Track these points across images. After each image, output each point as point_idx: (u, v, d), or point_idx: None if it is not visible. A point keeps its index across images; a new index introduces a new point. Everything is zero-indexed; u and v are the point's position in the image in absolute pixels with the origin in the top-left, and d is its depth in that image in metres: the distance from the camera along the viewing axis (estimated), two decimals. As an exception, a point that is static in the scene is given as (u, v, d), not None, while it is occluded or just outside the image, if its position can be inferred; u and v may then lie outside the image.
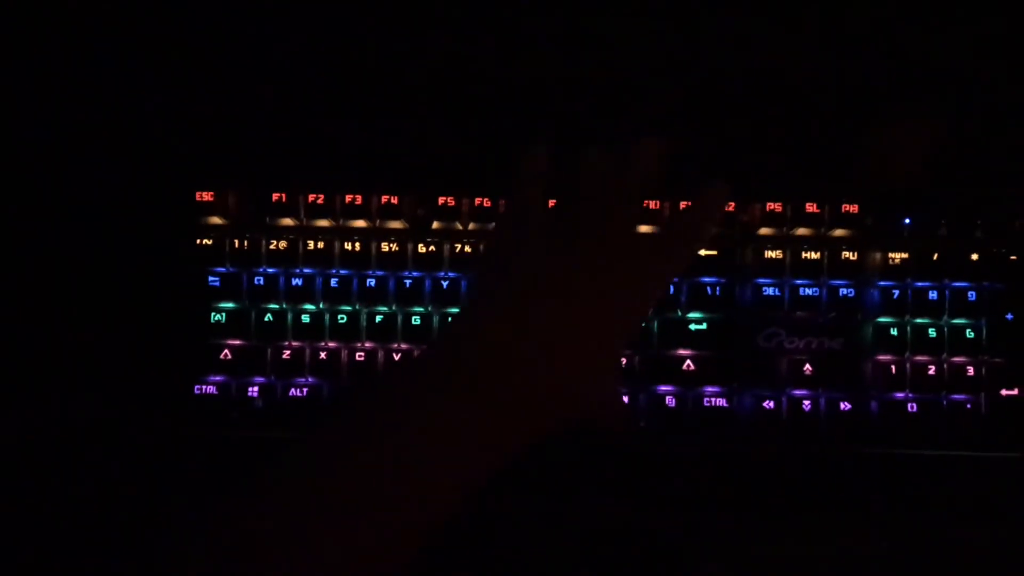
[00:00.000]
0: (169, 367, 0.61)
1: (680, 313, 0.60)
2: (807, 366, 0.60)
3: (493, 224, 0.61)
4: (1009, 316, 0.60)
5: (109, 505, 0.60)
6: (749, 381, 0.60)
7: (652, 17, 0.64)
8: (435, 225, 0.61)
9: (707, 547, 0.60)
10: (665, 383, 0.60)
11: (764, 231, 0.61)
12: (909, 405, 0.60)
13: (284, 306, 0.61)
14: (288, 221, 0.61)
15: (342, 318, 0.61)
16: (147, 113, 0.64)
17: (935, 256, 0.60)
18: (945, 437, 0.59)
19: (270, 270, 0.61)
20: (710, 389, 0.60)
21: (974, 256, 0.60)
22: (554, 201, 0.51)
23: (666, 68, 0.64)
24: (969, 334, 0.60)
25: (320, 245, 0.61)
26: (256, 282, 0.61)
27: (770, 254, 0.60)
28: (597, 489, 0.61)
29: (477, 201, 0.61)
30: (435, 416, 0.41)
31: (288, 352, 0.61)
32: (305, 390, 0.61)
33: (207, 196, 0.61)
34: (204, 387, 0.61)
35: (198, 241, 0.61)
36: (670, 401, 0.60)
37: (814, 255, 0.60)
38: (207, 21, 0.64)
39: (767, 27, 0.64)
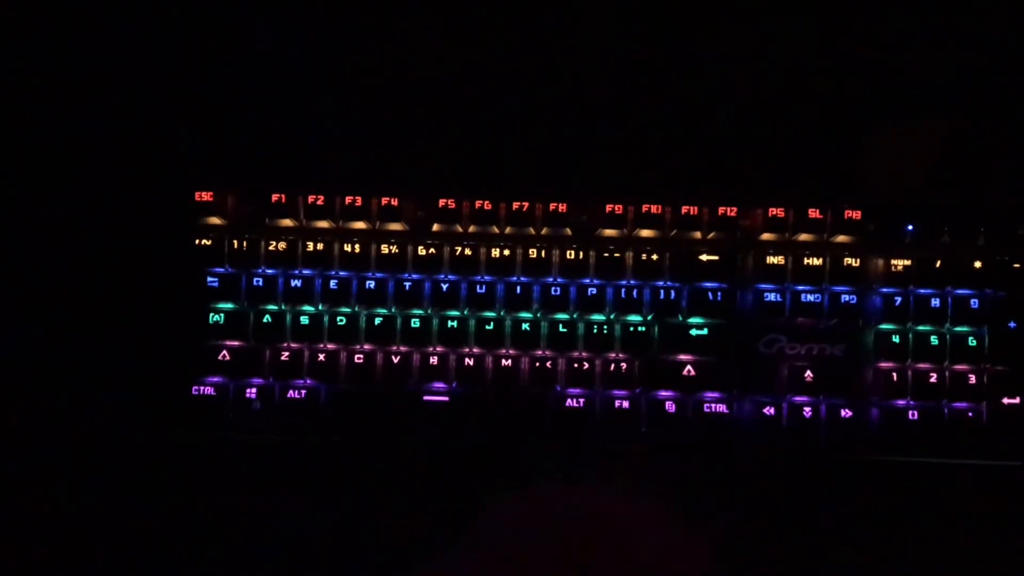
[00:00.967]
0: (167, 367, 0.61)
1: (681, 318, 0.60)
2: (808, 372, 0.59)
3: (493, 227, 0.60)
4: (1012, 324, 0.59)
5: (105, 505, 0.60)
6: (749, 387, 0.60)
7: (659, 20, 0.64)
8: (435, 227, 0.61)
9: (705, 552, 0.59)
10: (665, 388, 0.60)
11: (766, 236, 0.60)
12: (910, 413, 0.59)
13: (283, 307, 0.61)
14: (287, 222, 0.61)
15: (341, 320, 0.60)
16: (147, 112, 0.64)
17: (938, 263, 0.59)
18: (946, 445, 0.59)
19: (269, 271, 0.61)
20: (710, 395, 0.60)
21: (977, 264, 0.59)
22: None
23: (671, 72, 0.64)
24: (971, 342, 0.59)
25: (319, 246, 0.60)
26: (255, 283, 0.60)
27: (772, 259, 0.60)
28: (593, 491, 0.61)
29: (478, 204, 0.60)
30: None
31: (287, 354, 0.60)
32: (303, 392, 0.60)
33: (206, 196, 0.61)
34: (202, 388, 0.60)
35: (197, 241, 0.61)
36: (670, 407, 0.60)
37: (816, 261, 0.60)
38: (208, 21, 0.64)
39: (774, 32, 0.63)
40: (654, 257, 0.60)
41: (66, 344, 0.62)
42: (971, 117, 0.63)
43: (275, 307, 0.61)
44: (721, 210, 0.60)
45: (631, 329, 0.60)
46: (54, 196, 0.63)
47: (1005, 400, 0.59)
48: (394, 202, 0.60)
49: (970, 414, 0.59)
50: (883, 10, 0.63)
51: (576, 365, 0.60)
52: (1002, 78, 0.63)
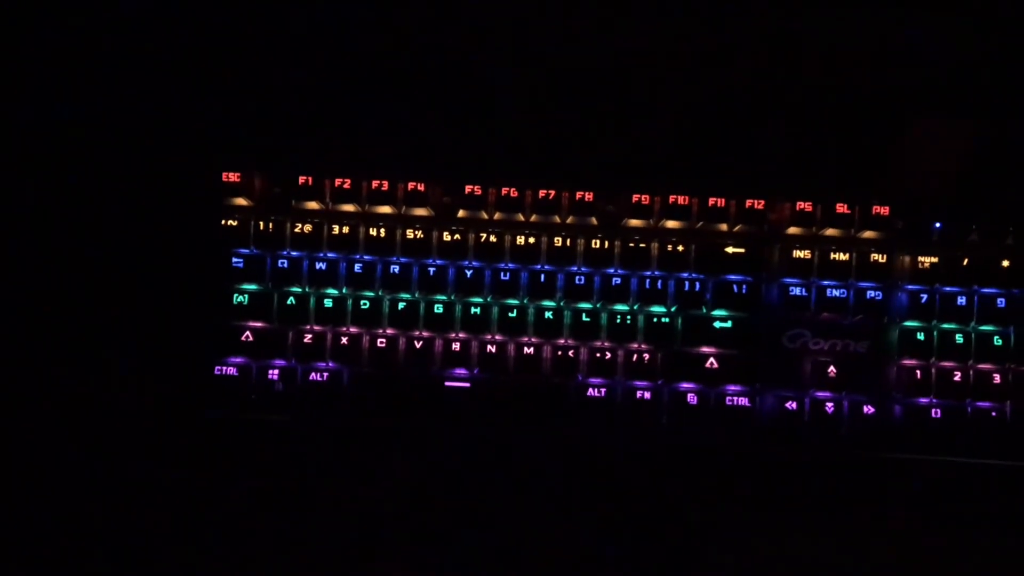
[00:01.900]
0: (191, 347, 0.61)
1: (705, 310, 0.60)
2: (831, 368, 0.59)
3: (518, 215, 0.60)
4: (1038, 324, 0.59)
5: (128, 486, 0.61)
6: (772, 381, 0.60)
7: (685, 15, 0.63)
8: (461, 213, 0.61)
9: (723, 542, 0.59)
10: (687, 380, 0.60)
11: (793, 230, 0.60)
12: (933, 411, 0.59)
13: (307, 290, 0.61)
14: (313, 205, 0.61)
15: (365, 304, 0.60)
16: (175, 94, 0.64)
17: (965, 261, 0.59)
18: (969, 444, 0.59)
19: (294, 253, 0.61)
20: (733, 388, 0.60)
21: (1005, 263, 0.59)
22: None
23: (704, 64, 0.63)
24: (997, 341, 0.59)
25: (345, 230, 0.60)
26: (280, 265, 0.61)
27: (798, 254, 0.60)
28: (614, 483, 0.61)
29: (504, 191, 0.60)
30: None
31: (310, 336, 0.60)
32: (326, 375, 0.60)
33: (233, 177, 0.61)
34: (225, 368, 0.61)
35: (223, 222, 0.61)
36: (692, 399, 0.60)
37: (843, 256, 0.59)
38: (239, 3, 0.64)
39: (808, 26, 0.63)
40: (679, 248, 0.60)
41: (92, 322, 0.62)
42: (1002, 116, 0.62)
43: (299, 289, 0.61)
44: (748, 203, 0.60)
45: (655, 320, 0.60)
46: (83, 178, 0.63)
47: (1029, 400, 0.59)
48: (420, 187, 0.60)
49: (993, 413, 0.59)
50: (919, 7, 0.62)
51: (598, 355, 0.60)
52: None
